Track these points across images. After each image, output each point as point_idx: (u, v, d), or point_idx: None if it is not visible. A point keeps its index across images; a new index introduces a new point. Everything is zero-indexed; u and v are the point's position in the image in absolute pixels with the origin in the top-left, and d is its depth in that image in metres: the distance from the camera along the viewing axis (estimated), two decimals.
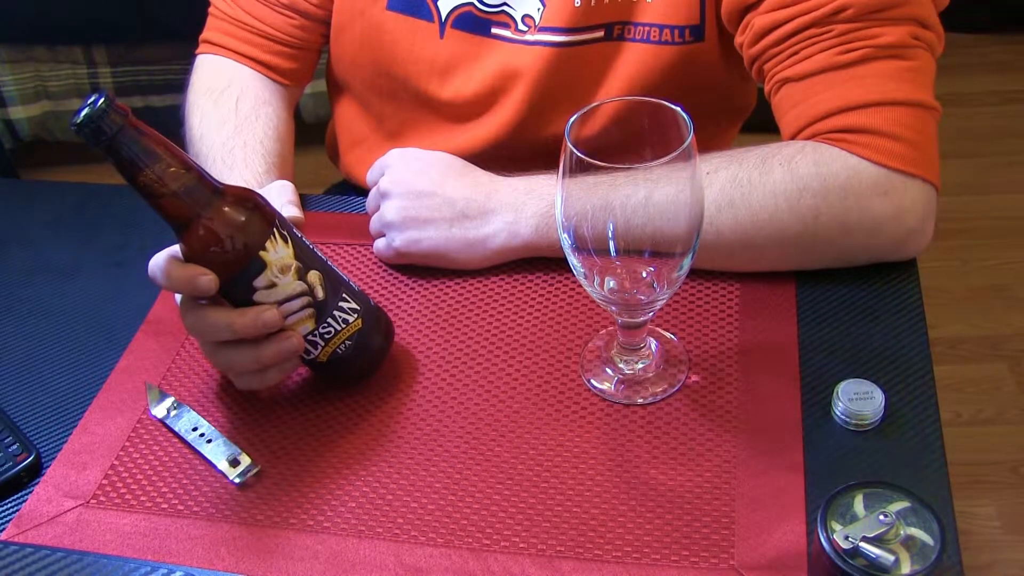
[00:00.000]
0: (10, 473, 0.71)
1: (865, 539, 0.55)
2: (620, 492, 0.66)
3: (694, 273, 0.80)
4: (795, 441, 0.68)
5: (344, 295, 0.70)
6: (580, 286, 0.80)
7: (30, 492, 0.71)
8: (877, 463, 0.66)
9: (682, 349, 0.76)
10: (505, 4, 0.89)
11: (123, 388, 0.78)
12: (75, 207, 1.00)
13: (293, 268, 0.67)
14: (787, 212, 0.74)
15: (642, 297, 0.68)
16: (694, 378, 0.73)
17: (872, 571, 0.54)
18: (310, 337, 0.69)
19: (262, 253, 0.65)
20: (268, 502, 0.69)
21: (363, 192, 0.91)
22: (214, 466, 0.71)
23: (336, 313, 0.70)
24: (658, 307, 0.69)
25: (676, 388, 0.73)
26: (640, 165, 0.59)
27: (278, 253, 0.66)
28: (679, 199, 0.62)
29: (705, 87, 0.90)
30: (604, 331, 0.78)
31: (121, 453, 0.73)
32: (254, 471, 0.70)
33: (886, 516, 0.56)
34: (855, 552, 0.55)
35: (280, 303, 0.67)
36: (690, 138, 0.60)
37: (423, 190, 0.82)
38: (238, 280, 0.66)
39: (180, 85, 1.02)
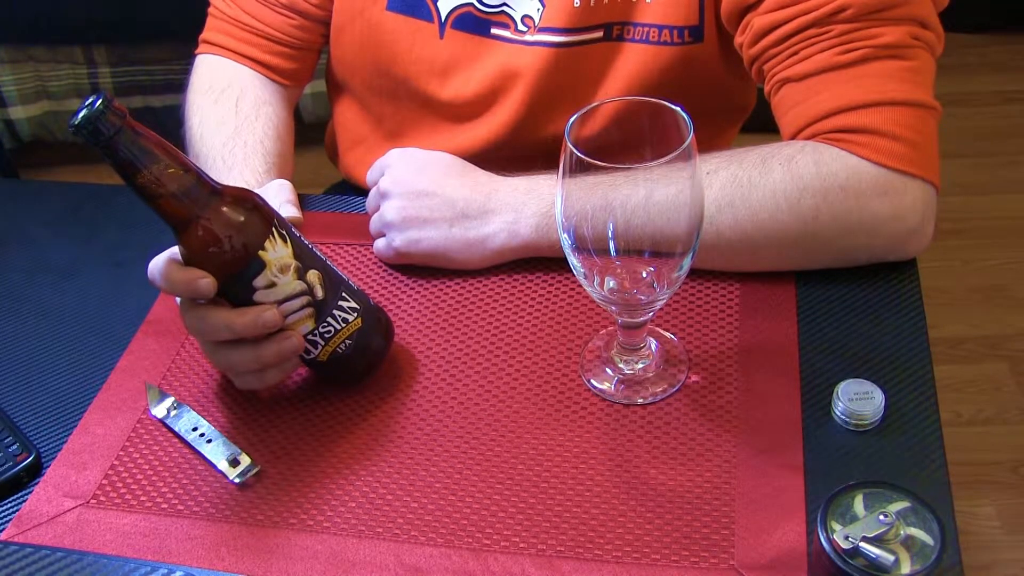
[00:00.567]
0: (10, 473, 0.71)
1: (865, 539, 0.55)
2: (620, 492, 0.66)
3: (694, 273, 0.80)
4: (795, 441, 0.68)
5: (344, 294, 0.70)
6: (580, 286, 0.80)
7: (30, 492, 0.71)
8: (877, 463, 0.66)
9: (682, 349, 0.76)
10: (505, 4, 0.89)
11: (123, 388, 0.78)
12: (75, 207, 1.00)
13: (292, 267, 0.67)
14: (787, 212, 0.74)
15: (642, 297, 0.68)
16: (694, 378, 0.73)
17: (872, 571, 0.54)
18: (310, 336, 0.69)
19: (261, 253, 0.65)
20: (268, 502, 0.69)
21: (363, 192, 0.91)
22: (214, 466, 0.71)
23: (336, 312, 0.70)
24: (658, 307, 0.69)
25: (676, 388, 0.73)
26: (640, 165, 0.59)
27: (277, 253, 0.66)
28: (679, 199, 0.62)
29: (704, 87, 0.90)
30: (604, 331, 0.78)
31: (121, 453, 0.73)
32: (254, 471, 0.70)
33: (886, 516, 0.56)
34: (855, 552, 0.55)
35: (280, 303, 0.67)
36: (690, 138, 0.60)
37: (423, 190, 0.82)
38: (238, 280, 0.66)
39: (180, 85, 1.02)
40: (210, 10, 1.02)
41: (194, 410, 0.75)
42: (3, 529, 0.68)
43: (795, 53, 0.78)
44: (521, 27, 0.89)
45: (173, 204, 0.64)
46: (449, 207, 0.81)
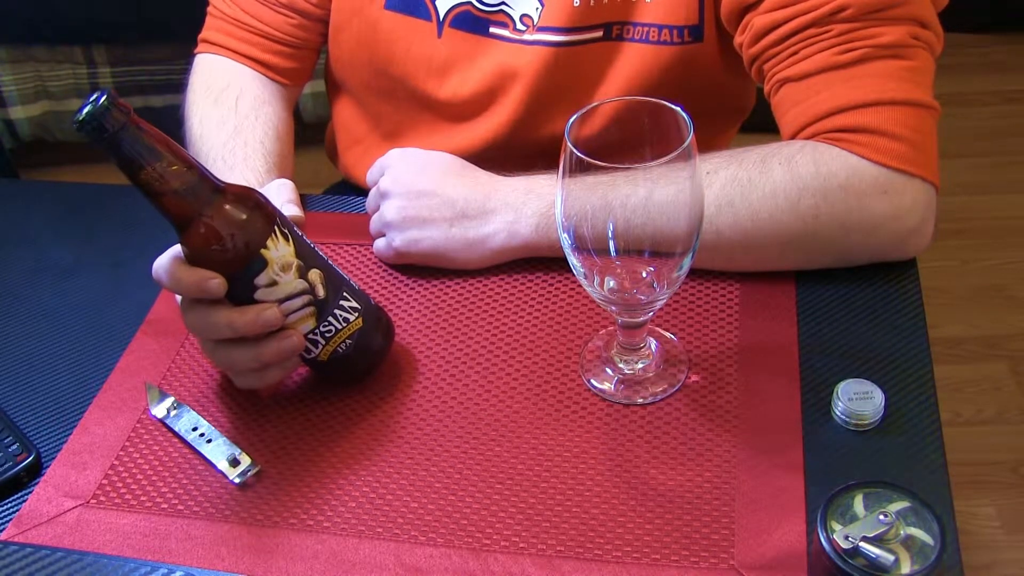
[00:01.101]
0: (10, 473, 0.71)
1: (865, 539, 0.55)
2: (620, 492, 0.66)
3: (694, 273, 0.80)
4: (795, 441, 0.68)
5: (345, 294, 0.70)
6: (580, 286, 0.80)
7: (30, 492, 0.71)
8: (877, 463, 0.66)
9: (682, 349, 0.76)
10: (503, 3, 0.89)
11: (123, 388, 0.78)
12: (75, 207, 1.00)
13: (294, 266, 0.67)
14: (787, 212, 0.74)
15: (642, 297, 0.68)
16: (694, 378, 0.73)
17: (872, 571, 0.54)
18: (311, 336, 0.69)
19: (263, 251, 0.66)
20: (268, 502, 0.69)
21: (362, 192, 0.91)
22: (214, 466, 0.71)
23: (337, 312, 0.70)
24: (658, 307, 0.69)
25: (676, 388, 0.73)
26: (640, 165, 0.59)
27: (279, 251, 0.66)
28: (679, 199, 0.62)
29: (704, 87, 0.90)
30: (604, 331, 0.78)
31: (121, 453, 0.73)
32: (254, 471, 0.70)
33: (886, 516, 0.56)
34: (855, 552, 0.55)
35: (281, 301, 0.67)
36: (690, 138, 0.60)
37: (423, 190, 0.82)
38: (239, 278, 0.66)
39: (180, 85, 1.02)
40: (209, 9, 1.02)
41: (194, 410, 0.75)
42: (3, 529, 0.68)
43: (795, 53, 0.78)
44: (520, 26, 0.89)
45: (176, 201, 0.64)
46: (449, 207, 0.81)
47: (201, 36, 1.02)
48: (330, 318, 0.69)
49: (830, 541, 0.56)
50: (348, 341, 0.71)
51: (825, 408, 0.70)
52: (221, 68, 1.00)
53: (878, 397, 0.68)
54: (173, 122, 0.97)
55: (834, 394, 0.69)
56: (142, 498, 0.70)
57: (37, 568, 0.65)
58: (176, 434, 0.74)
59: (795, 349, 0.74)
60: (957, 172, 2.05)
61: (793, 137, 0.79)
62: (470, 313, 0.81)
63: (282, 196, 0.87)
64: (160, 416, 0.75)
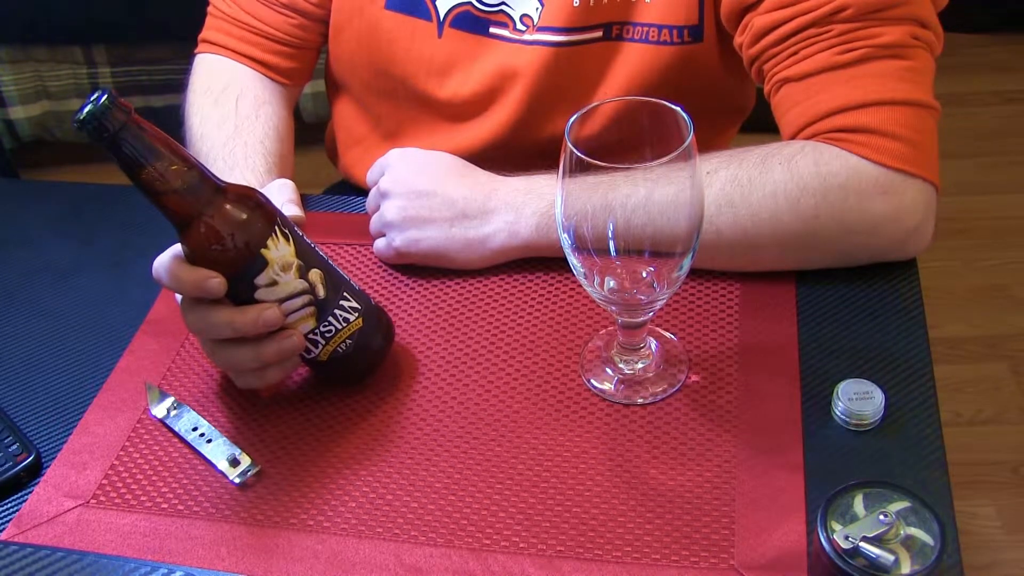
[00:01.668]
0: (10, 473, 0.71)
1: (865, 539, 0.55)
2: (620, 492, 0.66)
3: (694, 273, 0.80)
4: (795, 441, 0.68)
5: (345, 294, 0.70)
6: (580, 286, 0.80)
7: (30, 492, 0.71)
8: (877, 463, 0.66)
9: (682, 349, 0.76)
10: (503, 3, 0.89)
11: (123, 388, 0.78)
12: (75, 207, 1.00)
13: (294, 266, 0.67)
14: (787, 212, 0.74)
15: (642, 297, 0.68)
16: (694, 378, 0.73)
17: (872, 571, 0.54)
18: (311, 336, 0.69)
19: (264, 251, 0.66)
20: (268, 502, 0.69)
21: (362, 192, 0.91)
22: (214, 466, 0.71)
23: (337, 312, 0.70)
24: (658, 307, 0.69)
25: (676, 388, 0.73)
26: (640, 165, 0.59)
27: (280, 251, 0.66)
28: (679, 199, 0.62)
29: (704, 87, 0.90)
30: (604, 331, 0.78)
31: (121, 453, 0.73)
32: (254, 471, 0.70)
33: (886, 516, 0.56)
34: (855, 552, 0.55)
35: (281, 301, 0.67)
36: (690, 138, 0.60)
37: (423, 190, 0.82)
38: (239, 278, 0.66)
39: (180, 85, 1.02)
40: (209, 9, 1.02)
41: (194, 410, 0.75)
42: (3, 529, 0.68)
43: (795, 53, 0.78)
44: (520, 26, 0.89)
45: (176, 201, 0.64)
46: (449, 207, 0.81)
47: (201, 36, 1.02)
48: (330, 318, 0.69)
49: (830, 541, 0.56)
50: (348, 341, 0.71)
51: (825, 408, 0.70)
52: (221, 68, 1.00)
53: (878, 397, 0.68)
54: (173, 122, 0.97)
55: (834, 394, 0.69)
56: (142, 498, 0.70)
57: (37, 568, 0.65)
58: (176, 434, 0.74)
59: (795, 349, 0.74)
60: (957, 172, 2.05)
61: (793, 137, 0.79)
62: (470, 313, 0.81)
63: (283, 196, 0.86)
64: (160, 416, 0.75)
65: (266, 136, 0.93)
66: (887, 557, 0.55)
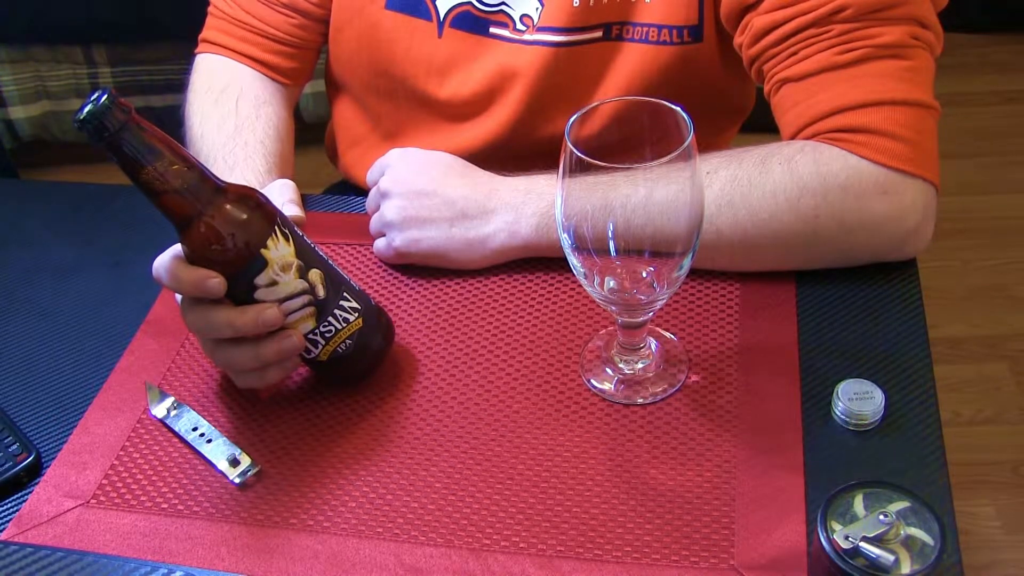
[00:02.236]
0: (10, 473, 0.71)
1: (865, 539, 0.55)
2: (620, 492, 0.66)
3: (694, 273, 0.80)
4: (795, 441, 0.68)
5: (345, 294, 0.70)
6: (580, 286, 0.80)
7: (30, 492, 0.71)
8: (877, 463, 0.66)
9: (682, 349, 0.76)
10: (503, 3, 0.89)
11: (123, 388, 0.78)
12: (75, 207, 1.00)
13: (294, 266, 0.67)
14: (787, 212, 0.74)
15: (642, 297, 0.68)
16: (694, 378, 0.73)
17: (872, 571, 0.54)
18: (311, 336, 0.69)
19: (264, 251, 0.66)
20: (268, 502, 0.69)
21: (362, 192, 0.91)
22: (214, 466, 0.71)
23: (337, 312, 0.70)
24: (658, 307, 0.69)
25: (676, 388, 0.73)
26: (640, 165, 0.59)
27: (279, 251, 0.66)
28: (679, 199, 0.62)
29: (703, 87, 0.90)
30: (604, 331, 0.78)
31: (121, 453, 0.73)
32: (254, 471, 0.70)
33: (886, 516, 0.56)
34: (855, 552, 0.55)
35: (281, 301, 0.67)
36: (690, 138, 0.60)
37: (423, 190, 0.82)
38: (239, 278, 0.66)
39: (180, 85, 1.02)
40: (210, 9, 1.02)
41: (194, 410, 0.75)
42: (3, 529, 0.68)
43: (794, 53, 0.78)
44: (520, 26, 0.89)
45: (176, 201, 0.64)
46: (449, 207, 0.81)
47: (202, 36, 1.02)
48: (330, 318, 0.69)
49: (830, 541, 0.56)
50: (348, 341, 0.71)
51: (825, 408, 0.70)
52: (222, 68, 1.00)
53: (878, 397, 0.68)
54: (173, 122, 0.97)
55: (834, 394, 0.69)
56: (142, 498, 0.70)
57: (37, 568, 0.65)
58: (176, 434, 0.74)
59: (795, 349, 0.74)
60: (957, 172, 2.05)
61: (793, 137, 0.79)
62: (470, 313, 0.81)
63: (283, 196, 0.87)
64: (160, 416, 0.75)
65: (266, 136, 0.93)
66: (887, 557, 0.55)
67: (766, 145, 0.77)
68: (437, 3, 0.91)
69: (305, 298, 0.68)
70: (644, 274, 0.67)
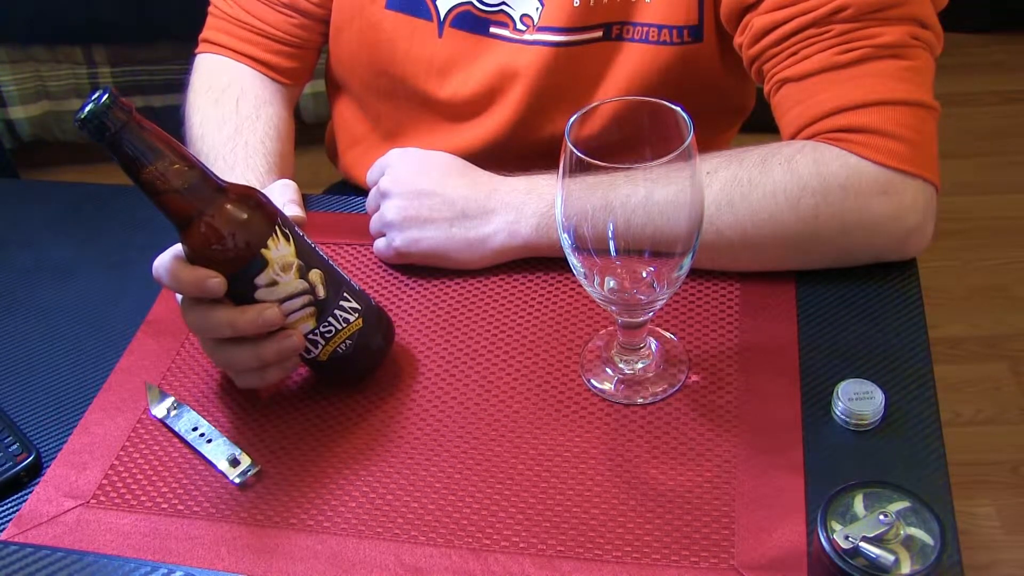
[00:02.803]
0: (10, 473, 0.71)
1: (865, 539, 0.55)
2: (620, 492, 0.66)
3: (694, 273, 0.80)
4: (795, 441, 0.68)
5: (345, 294, 0.70)
6: (580, 286, 0.80)
7: (30, 492, 0.71)
8: (877, 463, 0.66)
9: (682, 349, 0.76)
10: (504, 3, 0.89)
11: (123, 388, 0.78)
12: (75, 207, 1.00)
13: (295, 266, 0.67)
14: (787, 212, 0.74)
15: (642, 297, 0.68)
16: (694, 378, 0.73)
17: (872, 571, 0.54)
18: (311, 336, 0.69)
19: (264, 251, 0.66)
20: (268, 502, 0.69)
21: (362, 192, 0.91)
22: (214, 466, 0.71)
23: (337, 312, 0.70)
24: (658, 307, 0.69)
25: (676, 388, 0.73)
26: (640, 165, 0.59)
27: (280, 251, 0.66)
28: (679, 199, 0.62)
29: (704, 87, 0.90)
30: (604, 331, 0.78)
31: (121, 453, 0.73)
32: (254, 471, 0.70)
33: (886, 516, 0.56)
34: (855, 552, 0.55)
35: (281, 301, 0.67)
36: (690, 138, 0.60)
37: (423, 190, 0.82)
38: (240, 278, 0.66)
39: (180, 85, 1.02)
40: (210, 9, 1.02)
41: (194, 410, 0.75)
42: (3, 529, 0.68)
43: (794, 53, 0.78)
44: (520, 26, 0.89)
45: (177, 200, 0.64)
46: (449, 207, 0.81)
47: (202, 36, 1.02)
48: (330, 318, 0.69)
49: (830, 541, 0.56)
50: (348, 341, 0.71)
51: (825, 408, 0.70)
52: (222, 68, 1.00)
53: (878, 397, 0.68)
54: (173, 122, 0.97)
55: (834, 394, 0.69)
56: (142, 498, 0.70)
57: (37, 568, 0.65)
58: (176, 434, 0.74)
59: (795, 349, 0.74)
60: (957, 172, 2.05)
61: (793, 137, 0.79)
62: (470, 313, 0.81)
63: (284, 196, 0.86)
64: (160, 416, 0.75)
65: (267, 136, 0.93)
66: (887, 557, 0.55)
67: (766, 145, 0.77)
68: (437, 3, 0.91)
69: (305, 298, 0.68)
70: (644, 274, 0.67)
